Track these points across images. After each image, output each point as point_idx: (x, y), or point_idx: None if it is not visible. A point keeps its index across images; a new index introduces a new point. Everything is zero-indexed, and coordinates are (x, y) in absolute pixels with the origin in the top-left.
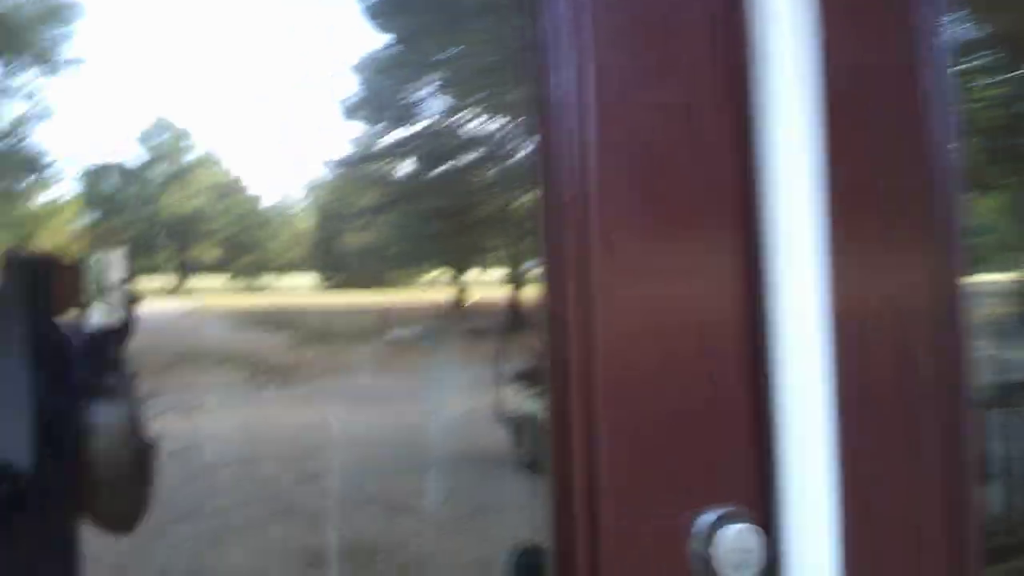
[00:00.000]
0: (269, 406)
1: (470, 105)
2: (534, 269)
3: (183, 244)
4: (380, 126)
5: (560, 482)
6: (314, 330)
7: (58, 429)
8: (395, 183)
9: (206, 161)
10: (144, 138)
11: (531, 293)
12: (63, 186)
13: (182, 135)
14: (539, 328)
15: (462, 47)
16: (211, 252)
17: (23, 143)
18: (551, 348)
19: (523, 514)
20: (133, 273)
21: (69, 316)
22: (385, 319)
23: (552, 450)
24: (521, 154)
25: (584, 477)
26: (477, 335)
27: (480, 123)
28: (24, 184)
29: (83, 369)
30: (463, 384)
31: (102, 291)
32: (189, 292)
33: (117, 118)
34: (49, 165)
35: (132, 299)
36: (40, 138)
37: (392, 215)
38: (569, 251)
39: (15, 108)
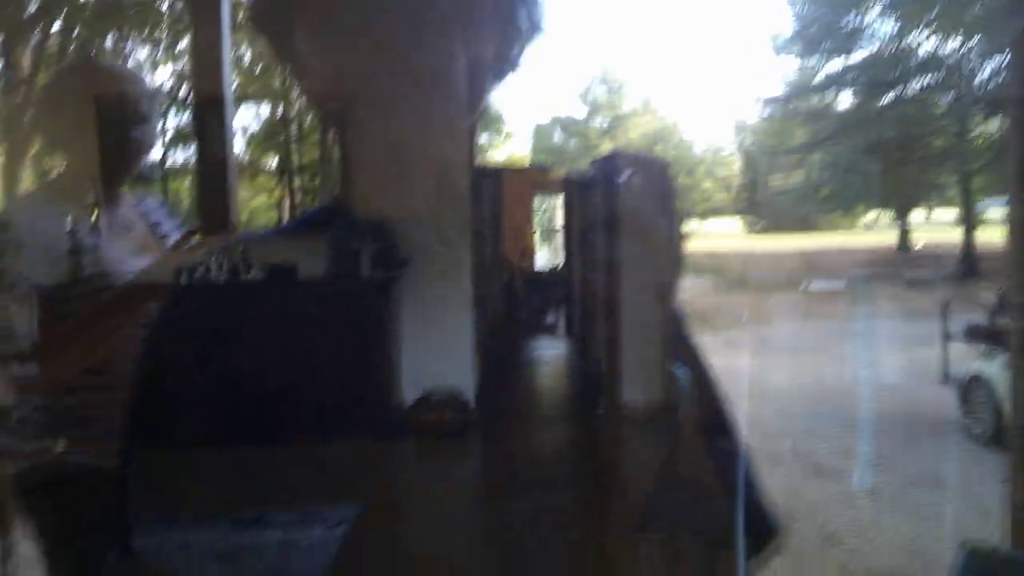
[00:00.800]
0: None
1: (920, 26)
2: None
3: None
4: (816, 58)
5: None
6: (740, 275)
7: None
8: (831, 117)
9: (641, 110)
10: (584, 92)
11: (990, 236)
12: (517, 141)
13: (619, 86)
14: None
15: None
16: None
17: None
18: None
19: (971, 498)
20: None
21: None
22: (813, 265)
23: None
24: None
25: None
26: (919, 284)
27: (932, 45)
28: (485, 139)
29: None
30: (899, 338)
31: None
32: None
33: (560, 74)
34: (505, 121)
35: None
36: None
37: (826, 153)
38: None
39: None
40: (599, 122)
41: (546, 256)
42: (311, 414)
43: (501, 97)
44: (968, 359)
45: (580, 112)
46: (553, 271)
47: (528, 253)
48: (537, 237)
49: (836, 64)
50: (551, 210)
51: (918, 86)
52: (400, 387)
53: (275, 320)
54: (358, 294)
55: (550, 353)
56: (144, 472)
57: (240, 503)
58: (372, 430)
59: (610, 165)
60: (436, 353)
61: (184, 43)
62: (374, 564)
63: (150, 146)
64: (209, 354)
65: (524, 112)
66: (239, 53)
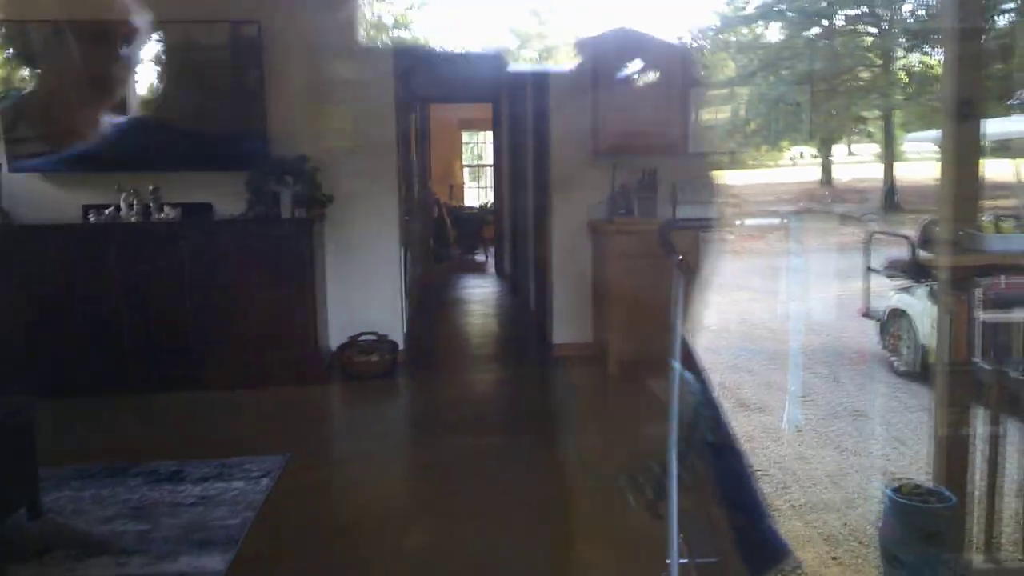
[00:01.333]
0: None
1: None
2: (921, 140)
3: None
4: None
5: None
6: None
7: None
8: (761, 50)
9: (571, 41)
10: (514, 23)
11: (913, 169)
12: None
13: (549, 17)
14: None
15: None
16: None
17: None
18: None
19: (892, 428)
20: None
21: None
22: (741, 201)
23: None
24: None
25: None
26: (850, 219)
27: None
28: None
29: None
30: (826, 273)
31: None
32: None
33: (490, 4)
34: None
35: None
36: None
37: (754, 87)
38: None
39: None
40: (529, 53)
41: (476, 193)
42: (233, 359)
43: (429, 27)
44: (890, 293)
45: (511, 43)
46: (483, 207)
47: (457, 190)
48: (466, 173)
49: None
50: (481, 145)
51: (845, 18)
52: (327, 329)
53: (191, 260)
54: (279, 234)
55: (480, 292)
56: (53, 422)
57: (157, 453)
58: (298, 373)
59: (610, 45)
60: (364, 294)
61: None
62: (303, 504)
63: (136, 66)
64: (117, 295)
65: (453, 42)
66: None
